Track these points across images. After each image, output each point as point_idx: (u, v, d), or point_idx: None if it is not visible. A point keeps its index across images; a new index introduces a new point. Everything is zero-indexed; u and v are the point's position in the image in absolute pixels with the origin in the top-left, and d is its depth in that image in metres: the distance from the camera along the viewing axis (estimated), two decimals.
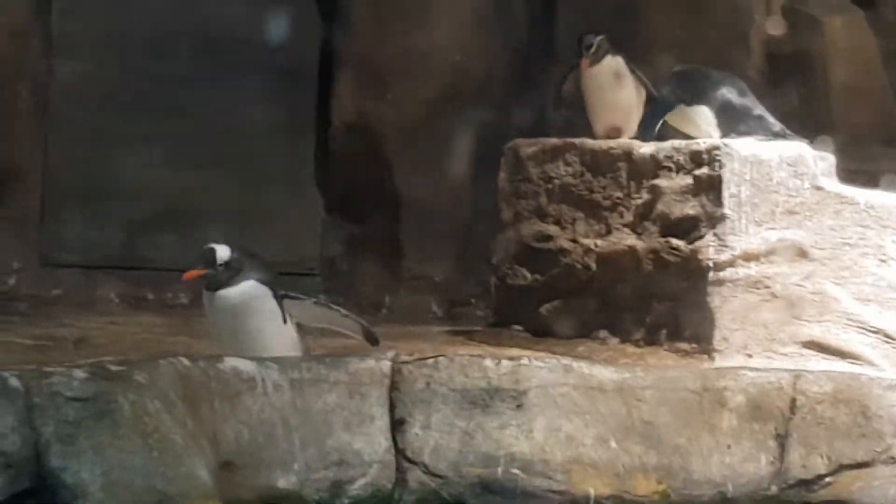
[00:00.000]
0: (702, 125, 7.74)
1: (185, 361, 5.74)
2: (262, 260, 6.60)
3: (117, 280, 9.12)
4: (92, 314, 8.50)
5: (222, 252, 6.43)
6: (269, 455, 5.57)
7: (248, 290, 6.49)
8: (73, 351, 7.00)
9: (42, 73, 8.97)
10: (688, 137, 7.69)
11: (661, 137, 7.79)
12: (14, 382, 5.28)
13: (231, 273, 6.43)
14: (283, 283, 6.62)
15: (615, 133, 8.01)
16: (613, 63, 8.08)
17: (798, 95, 9.01)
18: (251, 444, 5.57)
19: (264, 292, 6.50)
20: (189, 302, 6.89)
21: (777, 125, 7.70)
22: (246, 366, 5.75)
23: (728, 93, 7.76)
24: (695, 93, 7.81)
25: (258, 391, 5.65)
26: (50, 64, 9.01)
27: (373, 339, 6.55)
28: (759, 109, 7.73)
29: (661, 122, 7.87)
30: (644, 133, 7.92)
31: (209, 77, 9.19)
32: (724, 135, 7.59)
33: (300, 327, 6.53)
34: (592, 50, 8.04)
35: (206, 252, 6.44)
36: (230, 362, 5.75)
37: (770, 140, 7.48)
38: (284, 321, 6.52)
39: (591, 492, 5.74)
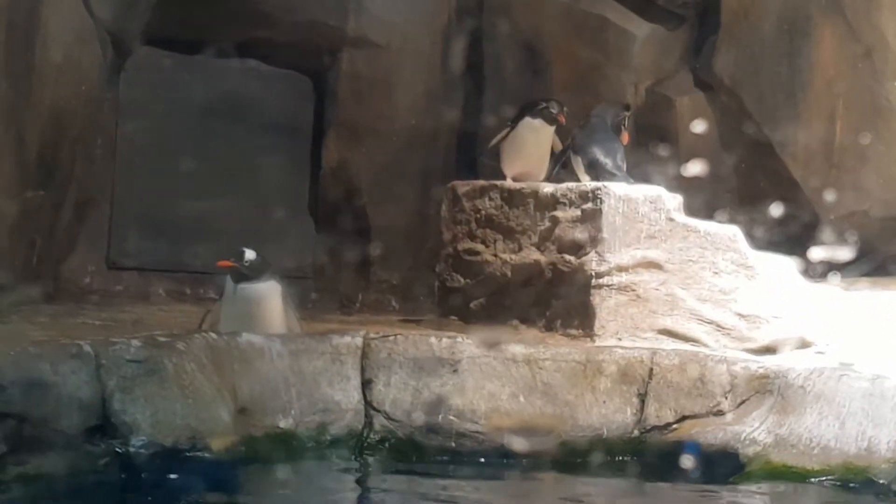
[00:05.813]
0: (577, 171, 7.75)
1: (213, 335, 5.74)
2: (276, 267, 6.57)
3: (164, 279, 9.06)
4: (145, 304, 8.45)
5: (249, 254, 6.39)
6: (273, 404, 5.57)
7: (267, 287, 6.43)
8: (131, 328, 6.95)
9: (112, 129, 8.89)
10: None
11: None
12: (88, 349, 5.28)
13: (254, 272, 6.39)
14: (286, 283, 6.63)
15: (524, 177, 7.98)
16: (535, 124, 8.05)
17: (657, 152, 8.97)
18: (260, 395, 5.56)
19: (278, 291, 6.46)
20: (217, 296, 6.80)
21: (625, 177, 7.55)
22: (257, 339, 5.74)
23: (597, 152, 7.73)
24: (578, 146, 7.82)
25: (266, 358, 5.65)
26: (117, 121, 8.94)
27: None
28: (612, 167, 7.65)
29: (559, 165, 7.91)
30: (549, 172, 7.95)
31: (234, 132, 9.13)
32: (592, 179, 7.59)
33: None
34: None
35: (237, 251, 6.40)
36: (246, 337, 5.74)
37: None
38: (284, 313, 6.52)
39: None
